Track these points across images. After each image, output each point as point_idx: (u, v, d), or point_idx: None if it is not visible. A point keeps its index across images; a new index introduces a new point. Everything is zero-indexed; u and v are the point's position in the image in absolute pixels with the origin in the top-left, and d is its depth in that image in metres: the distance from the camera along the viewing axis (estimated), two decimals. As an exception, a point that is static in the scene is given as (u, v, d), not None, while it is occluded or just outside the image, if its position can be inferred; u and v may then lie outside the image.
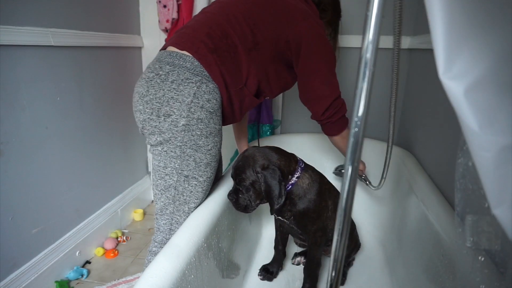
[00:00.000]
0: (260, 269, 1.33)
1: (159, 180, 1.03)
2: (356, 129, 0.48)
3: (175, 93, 0.96)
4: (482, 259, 0.60)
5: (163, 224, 1.08)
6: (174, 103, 0.96)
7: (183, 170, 1.01)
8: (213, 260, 1.00)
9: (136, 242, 1.82)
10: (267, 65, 1.09)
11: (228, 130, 1.56)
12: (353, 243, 1.32)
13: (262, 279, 1.31)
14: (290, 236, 1.41)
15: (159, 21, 1.89)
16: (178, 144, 0.98)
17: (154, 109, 0.97)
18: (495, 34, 0.38)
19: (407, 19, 1.72)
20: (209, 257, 0.97)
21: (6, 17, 1.16)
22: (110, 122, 1.77)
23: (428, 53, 1.46)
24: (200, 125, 0.98)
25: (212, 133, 1.01)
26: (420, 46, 1.57)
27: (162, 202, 1.06)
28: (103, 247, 1.72)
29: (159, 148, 1.00)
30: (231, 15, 1.03)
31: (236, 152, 1.94)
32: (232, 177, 1.11)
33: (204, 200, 1.10)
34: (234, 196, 1.09)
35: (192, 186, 1.03)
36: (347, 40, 1.79)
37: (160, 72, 0.98)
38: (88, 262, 1.64)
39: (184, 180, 1.02)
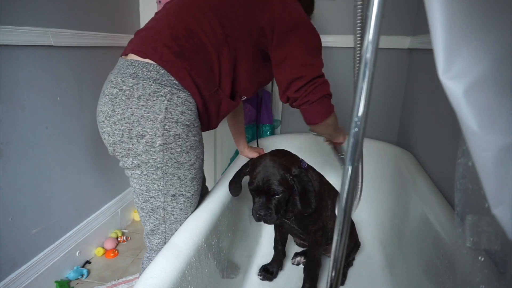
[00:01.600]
0: (260, 269, 1.33)
1: (144, 203, 0.96)
2: (356, 129, 0.48)
3: (144, 110, 0.85)
4: (482, 259, 0.60)
5: (157, 243, 1.01)
6: (145, 122, 0.86)
7: (169, 190, 0.94)
8: (213, 260, 1.00)
9: (136, 242, 1.82)
10: (241, 60, 0.98)
11: (228, 130, 1.55)
12: (352, 243, 1.32)
13: (262, 279, 1.31)
14: (289, 236, 1.41)
15: (159, 21, 1.88)
16: (158, 165, 0.90)
17: (124, 130, 0.87)
18: (495, 34, 0.38)
19: (407, 19, 1.72)
20: (209, 257, 0.97)
21: (6, 17, 1.16)
22: (110, 122, 1.77)
23: (428, 53, 1.46)
24: (179, 141, 0.90)
25: (193, 146, 0.93)
26: (420, 46, 1.58)
27: (151, 223, 0.99)
28: (103, 247, 1.72)
29: (138, 172, 0.91)
30: (196, 8, 0.93)
31: (237, 152, 1.94)
32: (258, 190, 1.02)
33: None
34: (268, 210, 1.00)
35: (180, 203, 0.97)
36: (347, 40, 1.79)
37: (124, 87, 0.87)
38: (88, 262, 1.64)
39: (171, 200, 0.95)
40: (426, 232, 1.08)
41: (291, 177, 1.02)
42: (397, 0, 1.71)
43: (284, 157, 1.05)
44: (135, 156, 0.89)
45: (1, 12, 1.14)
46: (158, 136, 0.87)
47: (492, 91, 0.39)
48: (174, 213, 0.98)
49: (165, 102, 0.86)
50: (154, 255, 1.01)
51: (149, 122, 0.86)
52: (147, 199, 0.95)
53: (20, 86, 1.25)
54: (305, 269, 1.22)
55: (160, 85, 0.87)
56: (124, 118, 0.86)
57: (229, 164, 1.83)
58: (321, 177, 1.16)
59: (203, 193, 1.16)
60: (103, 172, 1.76)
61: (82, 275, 1.53)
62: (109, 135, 0.89)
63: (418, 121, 1.57)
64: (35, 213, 1.36)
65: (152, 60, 0.88)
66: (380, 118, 1.90)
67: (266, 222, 1.03)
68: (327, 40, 1.82)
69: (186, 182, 0.96)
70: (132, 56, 0.91)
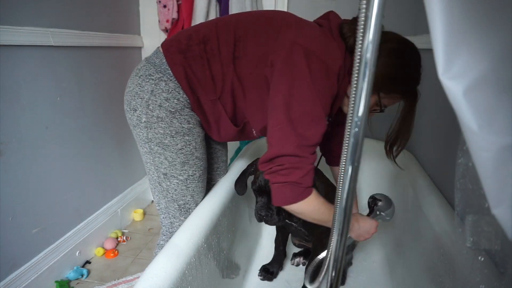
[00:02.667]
0: (260, 269, 1.33)
1: (148, 175, 1.07)
2: (356, 129, 0.48)
3: (139, 88, 0.96)
4: (482, 259, 0.60)
5: (163, 218, 1.11)
6: (137, 99, 0.96)
7: (159, 168, 1.02)
8: (213, 260, 1.00)
9: (136, 242, 1.82)
10: (244, 86, 0.94)
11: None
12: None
13: (262, 279, 1.31)
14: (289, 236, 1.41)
15: (159, 21, 1.89)
16: (145, 140, 0.99)
17: (128, 101, 0.99)
18: (495, 34, 0.38)
19: (407, 19, 1.72)
20: (209, 257, 0.97)
21: (6, 17, 1.16)
22: (110, 122, 1.77)
23: (428, 53, 1.46)
24: (161, 123, 0.96)
25: (179, 132, 0.97)
26: (420, 46, 1.57)
27: (156, 196, 1.09)
28: (103, 247, 1.72)
29: (138, 145, 1.04)
30: (225, 23, 0.96)
31: (237, 152, 1.94)
32: (260, 190, 1.02)
33: (199, 197, 1.09)
34: (269, 211, 1.00)
35: (174, 184, 1.04)
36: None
37: (138, 67, 1.00)
38: (88, 262, 1.64)
39: (164, 178, 1.03)
40: (426, 232, 1.08)
41: None
42: (397, 0, 1.71)
43: None
44: (133, 127, 1.01)
45: (1, 12, 1.14)
46: (143, 113, 0.96)
47: (491, 91, 0.38)
48: (170, 191, 1.05)
49: (153, 85, 0.95)
50: (164, 229, 1.13)
51: (139, 100, 0.96)
52: (147, 171, 1.06)
53: (20, 86, 1.25)
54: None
55: (156, 71, 0.95)
56: (130, 91, 0.99)
57: (229, 164, 1.83)
58: (326, 180, 1.16)
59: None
60: (103, 172, 1.76)
61: (82, 275, 1.53)
62: (124, 103, 1.02)
63: (418, 121, 1.57)
64: (35, 213, 1.36)
65: (163, 50, 0.98)
66: (380, 118, 1.89)
67: (267, 223, 1.02)
68: (327, 40, 1.82)
69: (176, 165, 1.01)
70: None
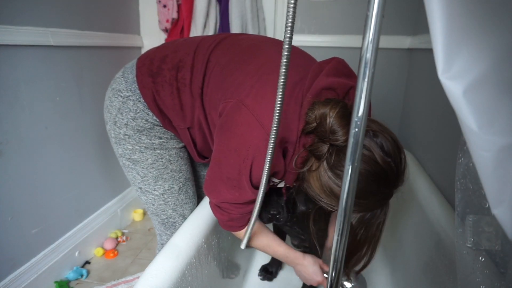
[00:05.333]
0: (260, 269, 1.33)
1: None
2: (356, 129, 0.48)
3: (109, 102, 0.93)
4: (483, 259, 0.60)
5: (155, 229, 1.11)
6: (106, 113, 0.94)
7: (134, 182, 0.99)
8: (213, 260, 1.00)
9: (136, 242, 1.82)
10: (211, 123, 0.87)
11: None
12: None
13: (262, 279, 1.31)
14: (287, 236, 1.41)
15: (159, 21, 1.89)
16: (117, 154, 0.98)
17: (104, 111, 0.96)
18: (495, 34, 0.38)
19: (407, 18, 1.72)
20: (209, 257, 0.97)
21: (6, 17, 1.16)
22: (110, 122, 1.77)
23: (429, 53, 1.46)
24: (130, 140, 0.92)
25: (149, 147, 0.93)
26: (420, 46, 1.57)
27: (144, 203, 1.04)
28: (102, 247, 1.72)
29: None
30: (205, 48, 0.86)
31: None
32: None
33: (184, 209, 1.05)
34: (280, 208, 0.99)
35: (150, 199, 1.00)
36: (347, 40, 1.79)
37: (115, 77, 0.96)
38: (87, 262, 1.64)
39: (141, 192, 1.00)
40: (426, 232, 1.08)
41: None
42: (397, 0, 1.71)
43: None
44: (110, 139, 0.98)
45: (1, 12, 1.14)
46: (111, 129, 0.94)
47: (491, 91, 0.38)
48: (150, 206, 1.02)
49: (120, 103, 0.91)
50: (158, 238, 1.11)
51: (108, 114, 0.94)
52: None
53: (19, 86, 1.24)
54: (305, 269, 1.21)
55: (127, 88, 0.91)
56: (105, 101, 0.96)
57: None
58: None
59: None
60: (103, 172, 1.76)
61: (82, 276, 1.53)
62: None
63: (418, 121, 1.57)
64: (35, 213, 1.36)
65: (136, 67, 0.92)
66: (380, 118, 1.89)
67: (278, 222, 0.97)
68: (327, 40, 1.82)
69: (148, 180, 0.97)
70: None
